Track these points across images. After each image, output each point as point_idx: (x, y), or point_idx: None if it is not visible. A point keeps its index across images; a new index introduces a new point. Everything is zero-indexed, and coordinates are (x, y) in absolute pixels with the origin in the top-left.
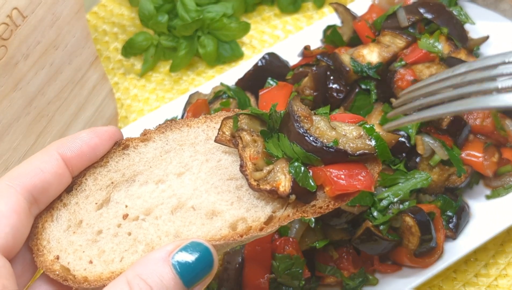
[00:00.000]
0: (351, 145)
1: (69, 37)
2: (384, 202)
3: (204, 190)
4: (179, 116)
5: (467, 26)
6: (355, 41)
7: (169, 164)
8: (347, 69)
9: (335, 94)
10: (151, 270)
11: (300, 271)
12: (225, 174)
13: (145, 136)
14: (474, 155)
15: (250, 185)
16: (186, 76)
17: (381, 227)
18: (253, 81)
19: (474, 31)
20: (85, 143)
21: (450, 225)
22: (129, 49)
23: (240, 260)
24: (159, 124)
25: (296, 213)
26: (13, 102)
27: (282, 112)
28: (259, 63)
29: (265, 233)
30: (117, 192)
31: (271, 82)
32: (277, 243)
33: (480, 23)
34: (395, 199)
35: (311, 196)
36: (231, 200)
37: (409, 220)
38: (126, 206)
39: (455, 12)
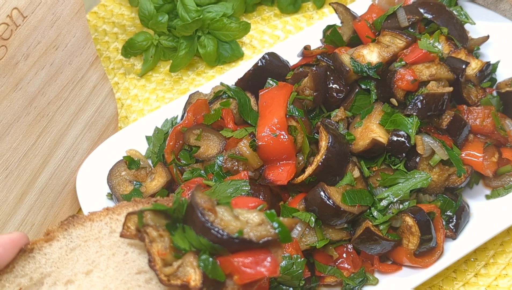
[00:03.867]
0: (255, 233)
1: (69, 37)
2: (384, 202)
3: (114, 287)
4: (179, 116)
5: (467, 26)
6: (355, 41)
7: (76, 263)
8: (347, 69)
9: (335, 94)
10: None
11: (300, 271)
12: (133, 268)
13: (49, 236)
14: (474, 155)
15: (161, 280)
16: (186, 76)
17: (381, 227)
18: (253, 81)
19: (474, 31)
20: None
21: (450, 225)
22: (129, 49)
23: None
24: (61, 221)
25: None
26: (13, 102)
27: (184, 200)
28: (259, 63)
29: None
30: None
31: (271, 82)
32: None
33: (480, 23)
34: (395, 199)
35: (220, 285)
36: None
37: (409, 220)
38: None
39: (455, 12)
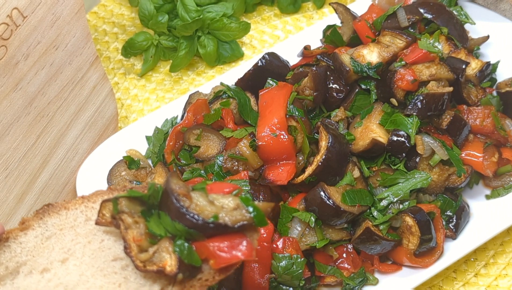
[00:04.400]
0: (230, 218)
1: (69, 37)
2: (384, 202)
3: (90, 275)
4: (179, 116)
5: (467, 26)
6: (355, 41)
7: (52, 251)
8: (347, 69)
9: (335, 94)
10: None
11: (300, 271)
12: (109, 255)
13: (24, 225)
14: (474, 155)
15: (136, 266)
16: (186, 76)
17: (381, 227)
18: (253, 81)
19: (474, 31)
20: None
21: (450, 225)
22: (129, 49)
23: None
24: (36, 210)
25: (184, 288)
26: (13, 102)
27: (159, 186)
28: (259, 63)
29: None
30: (2, 286)
31: (271, 82)
32: (277, 243)
33: (480, 23)
34: (395, 199)
35: (196, 270)
36: (118, 282)
37: (409, 220)
38: None
39: (455, 12)
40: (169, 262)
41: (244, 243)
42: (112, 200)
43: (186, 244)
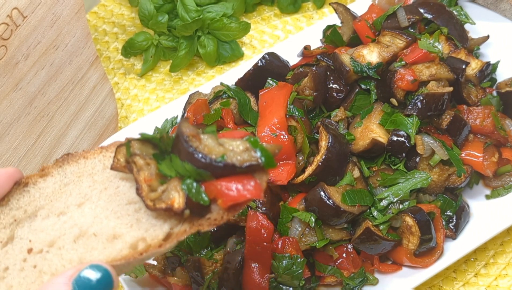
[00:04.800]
0: (238, 158)
1: (69, 37)
2: (384, 202)
3: (104, 217)
4: (179, 116)
5: (467, 26)
6: (355, 41)
7: (69, 196)
8: (347, 69)
9: (335, 94)
10: None
11: (300, 271)
12: (123, 199)
13: (43, 172)
14: (474, 155)
15: (146, 205)
16: (186, 76)
17: (381, 227)
18: (253, 81)
19: (474, 31)
20: None
21: (450, 225)
22: (129, 49)
23: (240, 260)
24: (57, 159)
25: (192, 227)
26: (13, 102)
27: (173, 135)
28: (259, 63)
29: (164, 249)
30: (20, 228)
31: (271, 82)
32: (277, 243)
33: (480, 23)
34: (395, 199)
35: (205, 210)
36: (130, 223)
37: (409, 220)
38: (30, 241)
39: (455, 12)
40: (177, 200)
41: (252, 183)
42: (125, 143)
43: (194, 183)
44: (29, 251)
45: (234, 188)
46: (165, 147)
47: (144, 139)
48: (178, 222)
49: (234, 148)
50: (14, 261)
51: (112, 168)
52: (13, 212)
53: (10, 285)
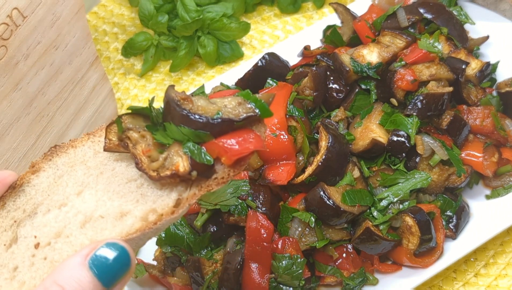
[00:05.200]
0: (234, 112)
1: (69, 37)
2: (384, 202)
3: (107, 199)
4: None
5: (467, 26)
6: (355, 41)
7: (66, 187)
8: (347, 69)
9: (335, 94)
10: (68, 275)
11: (300, 271)
12: (123, 179)
13: (34, 168)
14: (474, 155)
15: (150, 177)
16: (186, 76)
17: (381, 227)
18: (253, 81)
19: (474, 31)
20: None
21: (450, 225)
22: (129, 49)
23: (240, 260)
24: (44, 153)
25: (201, 189)
26: (13, 102)
27: (161, 107)
28: (259, 63)
29: (178, 215)
30: (22, 228)
31: (271, 82)
32: (277, 243)
33: (480, 23)
34: (395, 199)
35: (210, 170)
36: (135, 199)
37: (409, 220)
38: (35, 237)
39: (455, 12)
40: (181, 164)
41: (252, 135)
42: (116, 120)
43: (196, 145)
44: (36, 246)
45: (236, 143)
46: (156, 118)
47: (134, 112)
48: (185, 188)
49: (227, 104)
50: (22, 259)
51: (105, 149)
52: (12, 214)
53: (23, 282)
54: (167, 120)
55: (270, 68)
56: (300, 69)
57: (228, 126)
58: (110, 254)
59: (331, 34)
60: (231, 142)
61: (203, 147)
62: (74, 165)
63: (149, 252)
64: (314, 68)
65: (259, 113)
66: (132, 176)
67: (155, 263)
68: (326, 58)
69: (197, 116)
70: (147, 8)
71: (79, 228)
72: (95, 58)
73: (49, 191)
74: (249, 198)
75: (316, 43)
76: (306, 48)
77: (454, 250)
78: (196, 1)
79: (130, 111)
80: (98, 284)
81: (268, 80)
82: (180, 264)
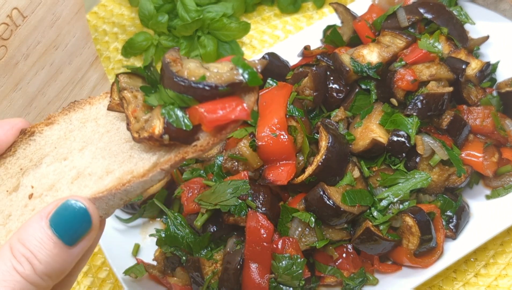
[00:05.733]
0: (220, 77)
1: (69, 37)
2: (384, 202)
3: (101, 157)
4: None
5: (467, 26)
6: (355, 41)
7: (73, 142)
8: (347, 69)
9: (335, 94)
10: (31, 234)
11: (300, 271)
12: (121, 139)
13: (50, 120)
14: (474, 155)
15: (133, 138)
16: None
17: (381, 227)
18: None
19: (474, 31)
20: None
21: (450, 225)
22: (129, 49)
23: (240, 260)
24: (63, 108)
25: (178, 155)
26: (13, 102)
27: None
28: None
29: (148, 178)
30: (26, 177)
31: (271, 82)
32: (277, 243)
33: (480, 23)
34: (395, 199)
35: (190, 137)
36: (123, 159)
37: (409, 220)
38: (33, 187)
39: (455, 12)
40: (158, 127)
41: (236, 103)
42: (115, 80)
43: (176, 109)
44: (30, 196)
45: (217, 110)
46: (154, 79)
47: (131, 72)
48: (165, 153)
49: (219, 69)
50: (16, 208)
51: (108, 108)
52: (20, 161)
53: (10, 230)
54: (162, 83)
55: (270, 68)
56: (300, 69)
57: (212, 92)
58: (69, 212)
59: (331, 34)
60: (212, 109)
61: (187, 112)
62: (86, 121)
63: (149, 252)
64: (314, 68)
65: (247, 80)
66: (129, 137)
67: (155, 263)
68: (326, 58)
69: (179, 79)
70: (147, 8)
71: (69, 183)
72: (95, 58)
73: (57, 143)
74: (249, 198)
75: (316, 43)
76: (306, 48)
77: (454, 250)
78: (196, 1)
79: (127, 70)
80: (59, 241)
81: (268, 80)
82: (180, 264)
